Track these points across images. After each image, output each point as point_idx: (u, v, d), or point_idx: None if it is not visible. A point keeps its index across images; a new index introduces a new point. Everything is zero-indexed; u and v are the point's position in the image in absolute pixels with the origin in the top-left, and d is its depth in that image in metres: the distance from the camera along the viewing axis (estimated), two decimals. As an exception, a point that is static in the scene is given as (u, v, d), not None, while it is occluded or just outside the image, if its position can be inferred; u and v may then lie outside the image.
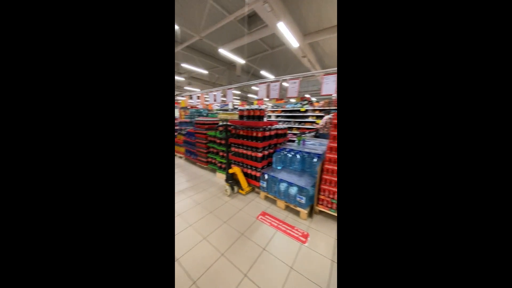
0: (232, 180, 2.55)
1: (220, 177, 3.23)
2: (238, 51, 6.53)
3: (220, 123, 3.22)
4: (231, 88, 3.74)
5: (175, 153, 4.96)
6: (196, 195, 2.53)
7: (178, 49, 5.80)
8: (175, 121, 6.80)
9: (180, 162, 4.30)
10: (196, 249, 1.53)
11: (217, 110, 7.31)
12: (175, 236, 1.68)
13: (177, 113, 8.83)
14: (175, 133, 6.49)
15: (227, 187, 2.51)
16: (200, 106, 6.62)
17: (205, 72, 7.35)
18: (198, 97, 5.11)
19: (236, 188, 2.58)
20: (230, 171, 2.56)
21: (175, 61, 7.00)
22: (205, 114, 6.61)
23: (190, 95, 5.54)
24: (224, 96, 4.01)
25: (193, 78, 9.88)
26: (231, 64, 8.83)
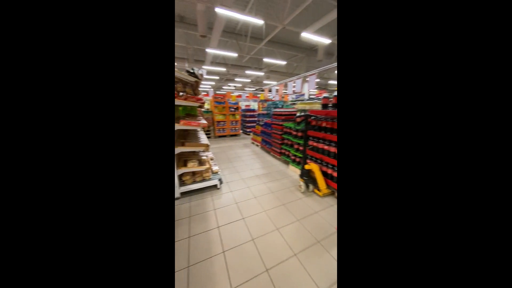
0: (307, 177, 2.31)
1: (293, 170, 3.11)
2: (322, 31, 5.63)
3: (298, 114, 3.00)
4: (314, 74, 3.30)
5: (253, 141, 5.59)
6: (270, 183, 2.63)
7: (261, 45, 6.19)
8: (254, 113, 7.68)
9: (256, 150, 4.79)
10: (269, 237, 1.56)
11: (291, 101, 7.12)
12: (252, 216, 1.85)
13: (256, 105, 9.89)
14: (254, 124, 7.31)
15: (302, 183, 2.33)
16: (276, 98, 6.79)
17: (283, 63, 7.29)
18: (277, 90, 5.18)
19: (311, 187, 2.32)
20: (306, 167, 2.32)
21: (258, 57, 7.63)
22: (280, 106, 6.70)
23: (269, 88, 5.78)
24: (304, 84, 3.66)
25: (271, 71, 10.30)
26: (311, 50, 7.96)
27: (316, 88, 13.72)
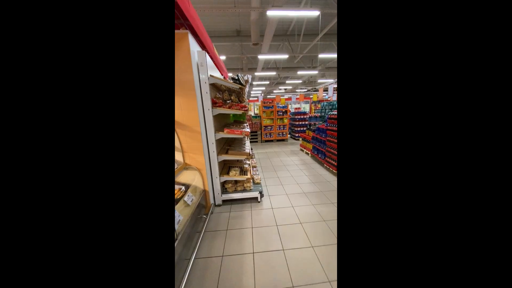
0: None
1: (356, 192, 2.33)
2: None
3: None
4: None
5: (302, 148, 5.01)
6: (322, 207, 2.08)
7: (317, 39, 5.52)
8: (304, 116, 6.98)
9: (306, 159, 4.19)
10: (318, 293, 1.12)
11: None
12: (296, 251, 1.46)
13: (307, 108, 9.02)
14: (304, 128, 6.62)
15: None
16: (334, 98, 5.77)
17: (344, 55, 6.10)
18: (335, 88, 4.35)
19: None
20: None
21: (312, 54, 6.91)
22: (338, 107, 5.60)
23: (326, 86, 4.99)
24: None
25: (327, 68, 9.05)
26: None
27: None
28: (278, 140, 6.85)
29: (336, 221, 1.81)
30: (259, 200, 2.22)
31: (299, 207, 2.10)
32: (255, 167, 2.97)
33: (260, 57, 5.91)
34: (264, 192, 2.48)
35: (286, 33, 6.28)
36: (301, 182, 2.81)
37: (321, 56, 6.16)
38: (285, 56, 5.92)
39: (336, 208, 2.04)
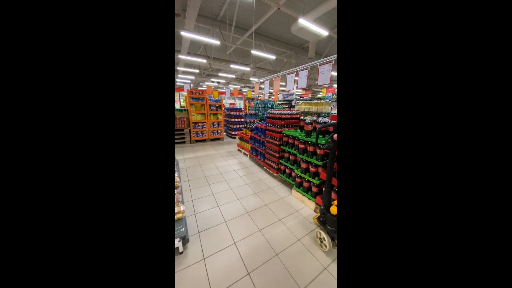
0: (333, 227, 1.42)
1: (299, 198, 2.22)
2: (319, 21, 5.00)
3: (308, 120, 2.10)
4: (330, 62, 2.47)
5: (240, 149, 4.58)
6: (270, 230, 1.67)
7: (251, 30, 5.23)
8: (240, 113, 6.66)
9: (244, 161, 3.78)
10: None
11: (280, 101, 6.35)
12: None
13: (242, 104, 8.89)
14: (241, 126, 6.27)
15: (324, 236, 1.43)
16: (266, 96, 5.92)
17: (273, 57, 6.47)
18: (271, 85, 4.26)
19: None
20: (333, 210, 1.43)
21: (244, 48, 6.65)
22: (270, 106, 5.83)
23: (262, 80, 4.82)
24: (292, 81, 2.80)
25: (258, 68, 9.42)
26: (300, 47, 7.41)
27: (303, 88, 13.31)
28: (212, 140, 5.93)
29: (289, 248, 1.46)
30: (181, 250, 1.36)
31: (243, 240, 1.54)
32: (176, 187, 1.98)
33: (184, 34, 4.56)
34: (192, 229, 1.64)
35: (217, 18, 5.41)
36: (242, 196, 2.28)
37: (253, 53, 6.04)
38: (216, 42, 5.07)
39: (285, 227, 1.72)
